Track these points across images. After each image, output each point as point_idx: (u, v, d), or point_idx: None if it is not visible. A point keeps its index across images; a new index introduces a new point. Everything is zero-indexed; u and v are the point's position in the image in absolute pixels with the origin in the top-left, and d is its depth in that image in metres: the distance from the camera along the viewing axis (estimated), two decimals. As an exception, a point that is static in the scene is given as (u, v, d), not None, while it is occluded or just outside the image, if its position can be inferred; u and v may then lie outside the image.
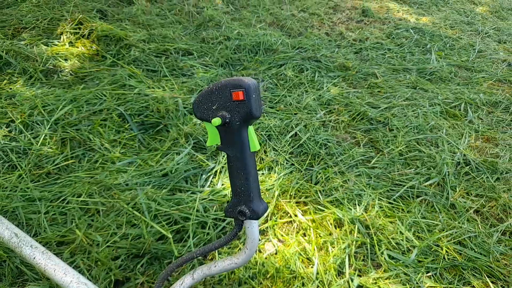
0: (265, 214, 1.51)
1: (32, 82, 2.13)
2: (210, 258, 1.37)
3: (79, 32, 2.57)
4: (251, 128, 0.79)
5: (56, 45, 2.47)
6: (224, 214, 1.45)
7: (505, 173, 1.84)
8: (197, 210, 1.46)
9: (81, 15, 2.64)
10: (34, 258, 1.04)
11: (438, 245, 1.45)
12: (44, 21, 2.68)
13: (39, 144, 1.70)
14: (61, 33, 2.56)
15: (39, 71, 2.19)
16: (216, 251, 1.37)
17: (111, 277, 1.23)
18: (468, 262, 1.40)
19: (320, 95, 2.33)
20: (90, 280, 0.99)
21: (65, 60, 2.34)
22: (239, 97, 0.73)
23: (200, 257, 1.34)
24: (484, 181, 1.79)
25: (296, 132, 1.98)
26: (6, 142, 1.69)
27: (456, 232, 1.50)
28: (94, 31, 2.56)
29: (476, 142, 2.07)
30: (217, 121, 0.74)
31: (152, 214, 1.43)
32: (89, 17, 2.69)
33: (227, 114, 0.75)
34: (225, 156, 1.35)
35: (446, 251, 1.43)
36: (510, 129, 2.22)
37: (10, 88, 2.07)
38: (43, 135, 1.73)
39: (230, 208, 0.83)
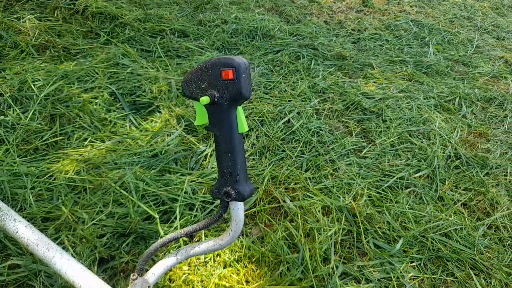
0: (253, 198, 1.51)
1: (23, 57, 2.08)
2: (196, 240, 1.36)
3: (73, 8, 2.51)
4: (240, 109, 0.78)
5: (50, 20, 2.41)
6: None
7: (495, 168, 1.85)
8: (186, 192, 1.46)
9: (75, -9, 2.57)
10: (17, 232, 1.03)
11: (424, 236, 1.46)
12: (38, -5, 2.61)
13: (27, 119, 1.67)
14: (55, 8, 2.50)
15: (31, 45, 2.15)
16: (203, 233, 1.37)
17: (95, 254, 1.22)
18: (453, 253, 1.41)
19: (315, 83, 2.31)
20: (74, 257, 0.98)
21: (58, 35, 2.29)
22: (228, 76, 0.71)
23: (185, 238, 1.34)
24: (473, 175, 1.80)
25: (289, 119, 1.97)
26: (-6, 116, 1.66)
27: (442, 224, 1.51)
28: (88, 8, 2.50)
29: (468, 137, 2.07)
30: (205, 99, 0.72)
31: (139, 194, 1.42)
32: (84, -7, 2.62)
33: (216, 93, 0.73)
34: (215, 138, 1.33)
35: (432, 242, 1.44)
36: (503, 125, 2.23)
37: (0, 62, 2.02)
38: (32, 110, 1.70)
39: (216, 189, 0.82)
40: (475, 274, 1.35)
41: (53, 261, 0.96)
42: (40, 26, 2.31)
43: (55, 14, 2.47)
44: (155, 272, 0.94)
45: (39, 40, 2.20)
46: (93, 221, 1.31)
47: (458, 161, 1.87)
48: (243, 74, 0.71)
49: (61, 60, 2.10)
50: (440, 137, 2.01)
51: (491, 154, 1.95)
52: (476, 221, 1.58)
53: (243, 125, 0.78)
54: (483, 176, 1.79)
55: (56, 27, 2.34)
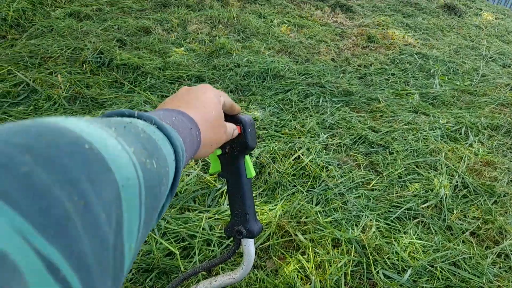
0: (266, 232, 1.60)
1: (55, 108, 2.31)
2: (214, 274, 1.46)
3: (99, 61, 2.77)
4: (247, 157, 0.91)
5: (79, 73, 2.67)
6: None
7: (503, 196, 1.89)
8: (203, 228, 1.57)
9: (102, 45, 2.85)
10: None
11: (432, 266, 1.51)
12: (68, 50, 2.90)
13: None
14: (84, 62, 2.77)
15: (62, 97, 2.38)
16: (220, 267, 1.46)
17: (122, 289, 1.33)
18: (462, 282, 1.45)
19: (323, 119, 2.44)
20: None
21: (86, 87, 2.53)
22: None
23: (204, 272, 1.44)
24: (481, 204, 1.85)
25: (299, 155, 2.08)
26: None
27: (451, 253, 1.56)
28: (113, 60, 2.76)
29: (476, 166, 2.13)
30: (218, 151, 0.87)
31: (161, 231, 1.54)
32: (109, 46, 2.90)
33: (227, 145, 0.87)
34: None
35: (441, 272, 1.49)
36: (510, 152, 2.27)
37: (36, 114, 2.25)
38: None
39: (229, 228, 0.94)
40: (485, 303, 1.38)
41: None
42: (70, 79, 2.56)
43: (84, 67, 2.73)
44: (176, 304, 1.04)
45: (69, 92, 2.43)
46: (120, 258, 1.43)
47: (466, 190, 1.93)
48: (248, 129, 0.85)
49: (89, 110, 2.32)
50: (447, 167, 2.07)
51: (498, 182, 1.99)
52: (485, 249, 1.61)
53: (250, 171, 0.91)
54: (491, 205, 1.84)
55: (84, 79, 2.59)
